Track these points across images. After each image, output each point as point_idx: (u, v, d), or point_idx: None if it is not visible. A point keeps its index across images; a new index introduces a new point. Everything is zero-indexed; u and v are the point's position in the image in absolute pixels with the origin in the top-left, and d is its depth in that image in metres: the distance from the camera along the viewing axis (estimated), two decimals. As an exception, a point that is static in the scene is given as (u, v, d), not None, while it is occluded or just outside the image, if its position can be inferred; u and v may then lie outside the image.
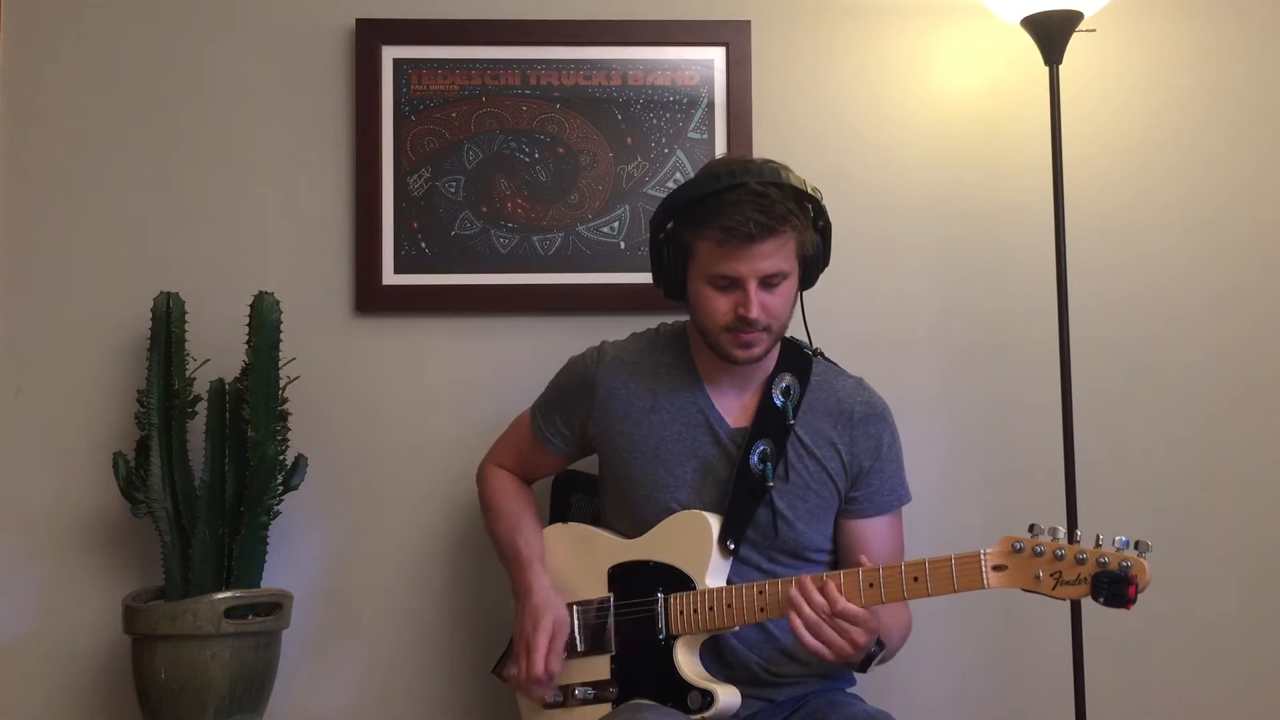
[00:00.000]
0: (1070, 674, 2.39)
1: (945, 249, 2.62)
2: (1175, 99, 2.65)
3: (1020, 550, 1.80)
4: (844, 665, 2.02)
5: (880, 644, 1.98)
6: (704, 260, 2.05)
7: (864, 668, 2.00)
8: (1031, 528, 1.81)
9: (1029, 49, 2.47)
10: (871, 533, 2.14)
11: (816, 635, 1.90)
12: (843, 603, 1.89)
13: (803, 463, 2.12)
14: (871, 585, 1.91)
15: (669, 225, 2.10)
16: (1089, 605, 2.32)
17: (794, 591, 1.92)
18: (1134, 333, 2.60)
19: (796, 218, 2.03)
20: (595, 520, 2.25)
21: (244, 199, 2.59)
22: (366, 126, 2.57)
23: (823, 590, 1.91)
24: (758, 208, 1.99)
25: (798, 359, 2.17)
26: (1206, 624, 2.57)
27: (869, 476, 2.14)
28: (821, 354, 2.22)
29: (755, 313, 2.02)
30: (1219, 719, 2.57)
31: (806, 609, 1.90)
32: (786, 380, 2.14)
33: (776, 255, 2.03)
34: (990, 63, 2.64)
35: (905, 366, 2.56)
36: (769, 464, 2.09)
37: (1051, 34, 2.43)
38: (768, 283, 2.03)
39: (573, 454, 2.29)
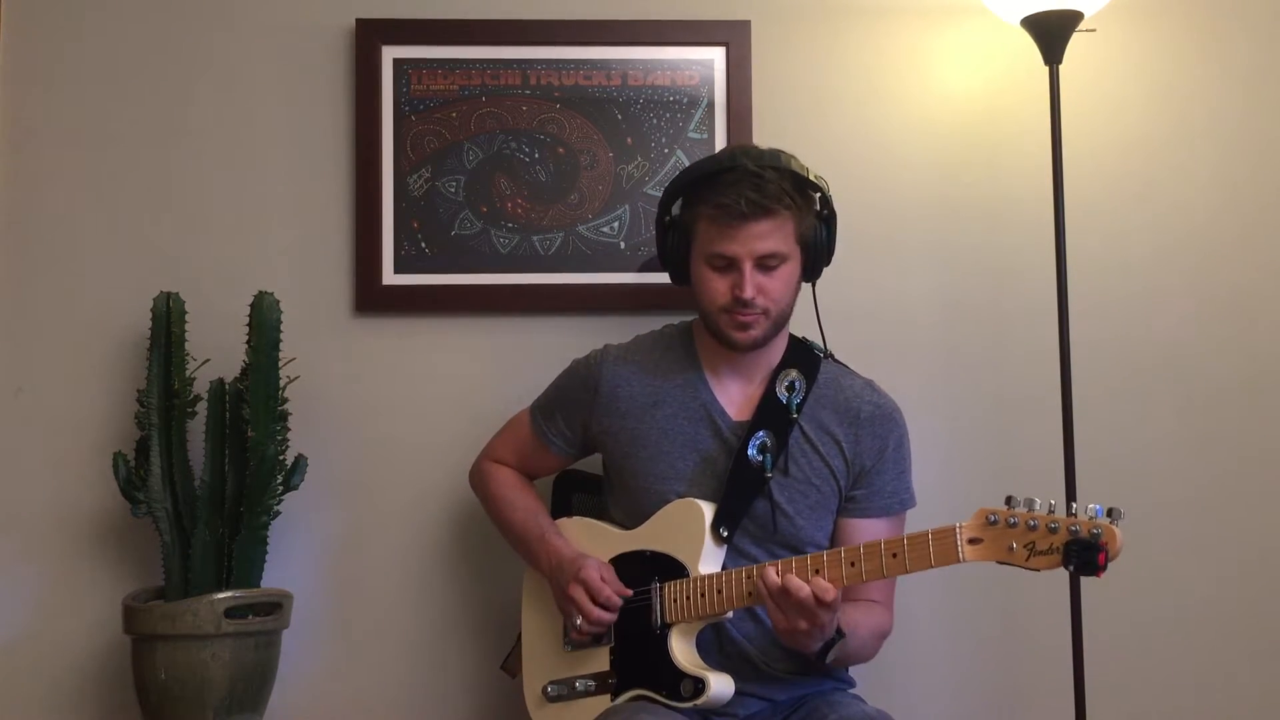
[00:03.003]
0: (1070, 673, 2.38)
1: (945, 248, 2.62)
2: (1175, 99, 2.65)
3: (995, 523, 1.80)
4: (803, 655, 2.02)
5: (840, 632, 1.96)
6: (703, 240, 2.09)
7: (822, 657, 1.98)
8: (1008, 500, 1.80)
9: (1029, 49, 2.47)
10: (868, 534, 2.12)
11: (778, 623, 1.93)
12: (805, 591, 1.88)
13: (805, 457, 2.12)
14: (853, 564, 1.91)
15: (672, 207, 2.15)
16: (1088, 599, 2.36)
17: (758, 583, 1.94)
18: (1134, 332, 2.60)
19: (792, 199, 2.06)
20: (599, 517, 2.25)
21: (244, 199, 2.59)
22: (366, 126, 2.57)
23: (764, 576, 1.92)
24: (752, 187, 2.03)
25: (806, 357, 2.18)
26: (1205, 620, 2.57)
27: (870, 476, 2.14)
28: (831, 355, 2.23)
29: (750, 293, 2.04)
30: (1218, 713, 2.57)
31: (767, 600, 1.92)
32: (792, 375, 2.15)
33: (772, 237, 2.05)
34: (990, 63, 2.64)
35: (905, 365, 2.56)
36: (768, 455, 2.09)
37: (1051, 34, 2.43)
38: (764, 264, 2.06)
39: (574, 454, 2.30)
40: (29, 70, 2.59)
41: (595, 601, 2.06)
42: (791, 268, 2.10)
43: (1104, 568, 1.71)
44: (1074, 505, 1.76)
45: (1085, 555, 1.72)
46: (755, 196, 2.02)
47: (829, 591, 1.88)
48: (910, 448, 2.19)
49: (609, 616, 2.07)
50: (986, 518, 1.81)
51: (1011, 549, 1.78)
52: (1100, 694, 2.42)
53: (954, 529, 1.83)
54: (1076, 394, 2.41)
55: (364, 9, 2.60)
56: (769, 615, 1.95)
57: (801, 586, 1.88)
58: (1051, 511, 1.77)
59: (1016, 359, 2.59)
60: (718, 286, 2.08)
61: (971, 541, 1.82)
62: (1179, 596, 2.55)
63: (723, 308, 2.08)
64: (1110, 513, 1.73)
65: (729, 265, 2.06)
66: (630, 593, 2.08)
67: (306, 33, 2.61)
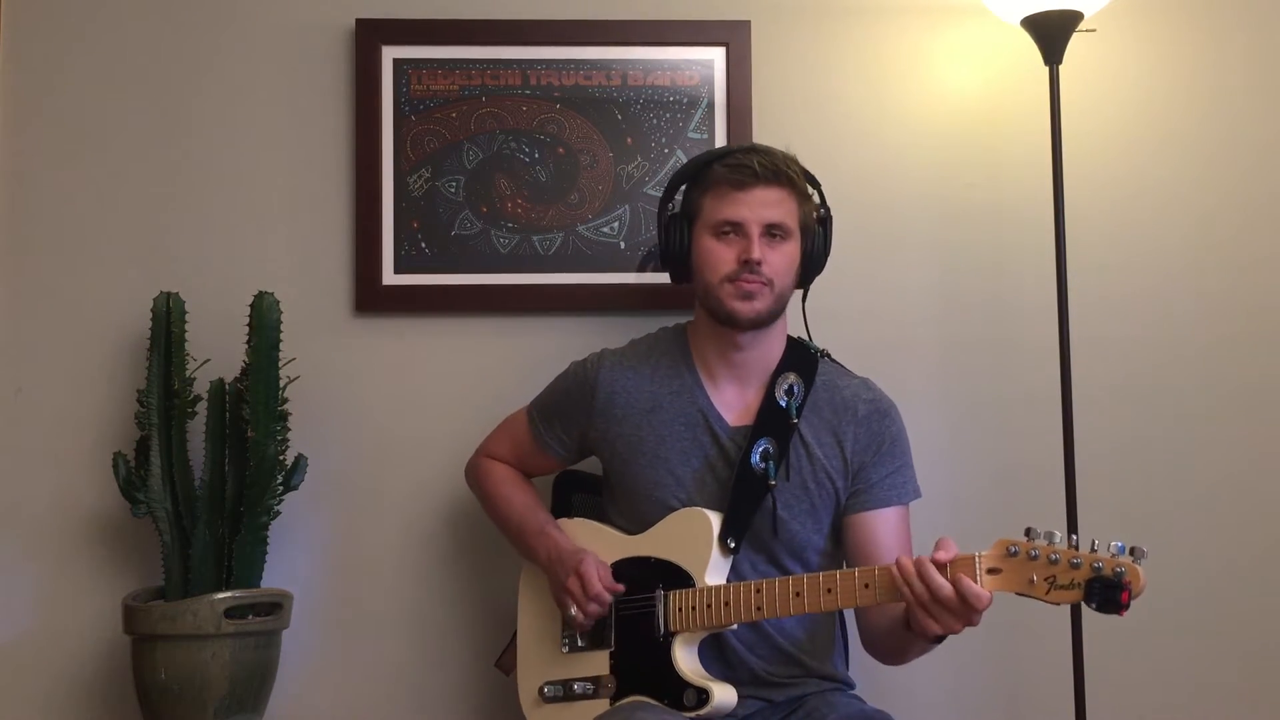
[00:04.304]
0: (1070, 673, 2.39)
1: (945, 248, 2.62)
2: (1175, 99, 2.65)
3: (1015, 554, 1.78)
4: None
5: None
6: (708, 211, 2.11)
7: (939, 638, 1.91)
8: (1028, 531, 1.79)
9: (1029, 49, 2.47)
10: (880, 525, 2.12)
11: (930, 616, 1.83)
12: (985, 598, 1.80)
13: (802, 462, 2.12)
14: (867, 586, 1.90)
15: (676, 195, 2.18)
16: (1089, 604, 2.35)
17: (894, 571, 1.85)
18: (1133, 331, 2.60)
19: (796, 178, 2.11)
20: (600, 519, 2.25)
21: (244, 199, 2.59)
22: (366, 126, 2.57)
23: (957, 585, 1.80)
24: (763, 156, 2.09)
25: (803, 359, 2.18)
26: (1205, 622, 2.57)
27: (869, 470, 2.14)
28: (828, 355, 2.22)
29: (758, 254, 2.06)
30: (1218, 715, 2.57)
31: (924, 604, 1.83)
32: (790, 380, 2.15)
33: (779, 207, 2.09)
34: (990, 63, 2.64)
35: (906, 364, 2.56)
36: (771, 463, 2.09)
37: (1051, 34, 2.43)
38: (770, 234, 2.08)
39: (571, 458, 2.30)
40: (29, 70, 2.59)
41: (587, 595, 2.06)
42: (794, 248, 2.12)
43: (1127, 607, 1.71)
44: (1095, 541, 1.75)
45: (1108, 594, 1.71)
46: (767, 162, 2.07)
47: (982, 599, 1.80)
48: (909, 443, 2.19)
49: (599, 610, 2.08)
50: (1007, 549, 1.80)
51: (1032, 581, 1.77)
52: (1100, 694, 2.42)
53: (973, 558, 1.81)
54: (1076, 393, 2.41)
55: (364, 9, 2.60)
56: (914, 615, 1.86)
57: (944, 585, 1.81)
58: (1073, 545, 1.76)
59: (1017, 358, 2.59)
60: (723, 255, 2.09)
61: (990, 571, 1.80)
62: (1179, 596, 2.54)
63: (727, 276, 2.08)
64: (1133, 551, 1.72)
65: (736, 230, 2.08)
66: (621, 588, 2.08)
67: (306, 33, 2.61)
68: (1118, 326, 2.60)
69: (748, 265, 2.07)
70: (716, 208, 2.10)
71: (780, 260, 2.10)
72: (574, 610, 2.08)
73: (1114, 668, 2.50)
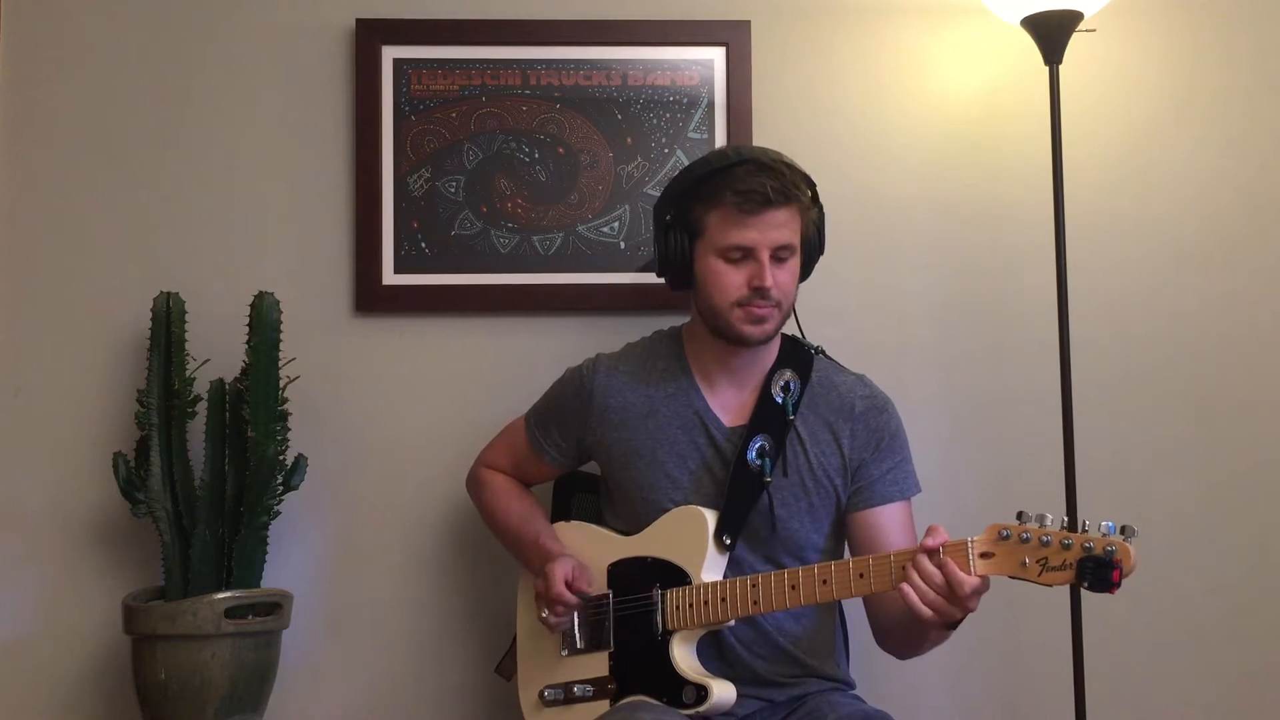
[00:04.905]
0: (1070, 671, 2.39)
1: (945, 248, 2.62)
2: (1175, 99, 2.65)
3: (1007, 537, 1.80)
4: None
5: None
6: (715, 233, 2.07)
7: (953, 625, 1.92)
8: (1019, 515, 1.80)
9: (1029, 49, 2.47)
10: (884, 521, 2.12)
11: (934, 610, 1.84)
12: (969, 584, 1.82)
13: (799, 459, 2.12)
14: (861, 576, 1.91)
15: (676, 206, 2.13)
16: (1088, 601, 2.36)
17: (910, 570, 1.85)
18: (1134, 332, 2.60)
19: (803, 194, 2.08)
20: (597, 520, 2.25)
21: (244, 199, 2.59)
22: (366, 126, 2.57)
23: (943, 569, 1.83)
24: (772, 177, 2.04)
25: (799, 356, 2.18)
26: (1205, 620, 2.57)
27: (869, 467, 2.14)
28: (823, 352, 2.22)
29: (770, 282, 2.04)
30: (1217, 714, 2.57)
31: (918, 590, 1.84)
32: (787, 377, 2.15)
33: (787, 227, 2.06)
34: (990, 63, 2.64)
35: (905, 365, 2.56)
36: (767, 460, 2.09)
37: (1051, 34, 2.43)
38: (778, 256, 2.07)
39: (569, 465, 2.30)
40: (29, 70, 2.59)
41: (550, 596, 2.08)
42: (797, 262, 2.11)
43: (1118, 585, 1.72)
44: (1086, 522, 1.76)
45: (1100, 572, 1.72)
46: (777, 185, 2.03)
47: (965, 585, 1.81)
48: (906, 438, 2.19)
49: (563, 613, 2.09)
50: (998, 533, 1.81)
51: (1024, 564, 1.78)
52: (1101, 695, 2.42)
53: (965, 543, 1.83)
54: (1076, 394, 2.41)
55: (364, 9, 2.60)
56: (911, 603, 1.86)
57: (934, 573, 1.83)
58: (1065, 527, 1.77)
59: (1016, 359, 2.59)
60: (732, 280, 2.07)
61: (983, 556, 1.82)
62: (1179, 596, 2.54)
63: (737, 301, 2.07)
64: (1123, 530, 1.73)
65: (745, 256, 2.06)
66: (589, 591, 2.08)
67: (306, 33, 2.61)
68: (1118, 326, 2.60)
69: (759, 292, 2.05)
70: (725, 231, 2.06)
71: (787, 279, 2.09)
72: (544, 614, 2.10)
73: (1114, 668, 2.51)
